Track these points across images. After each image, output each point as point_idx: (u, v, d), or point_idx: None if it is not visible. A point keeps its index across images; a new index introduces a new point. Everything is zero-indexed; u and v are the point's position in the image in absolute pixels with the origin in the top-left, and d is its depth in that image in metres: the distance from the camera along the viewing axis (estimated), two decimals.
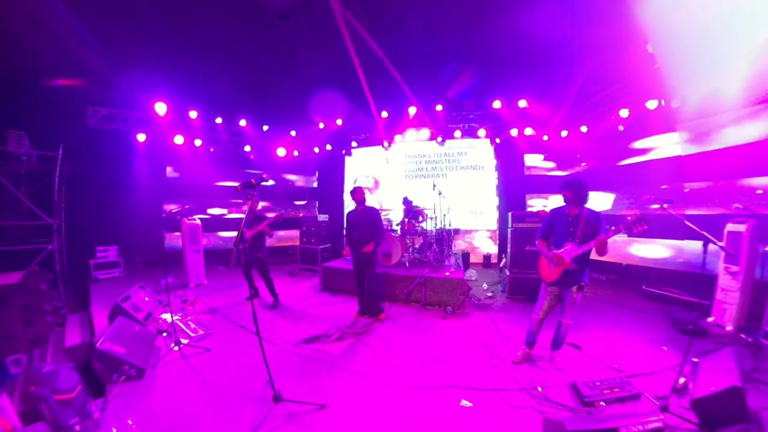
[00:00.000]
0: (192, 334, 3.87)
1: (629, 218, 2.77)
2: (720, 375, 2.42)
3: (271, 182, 9.45)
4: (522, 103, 7.13)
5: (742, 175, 4.50)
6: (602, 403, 2.71)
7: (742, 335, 3.57)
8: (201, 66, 6.09)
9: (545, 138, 7.71)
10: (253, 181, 2.54)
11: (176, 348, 3.48)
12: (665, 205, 3.05)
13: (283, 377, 3.14)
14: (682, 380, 2.78)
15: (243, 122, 7.98)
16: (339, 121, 8.65)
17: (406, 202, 7.03)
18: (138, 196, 7.28)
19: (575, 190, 3.12)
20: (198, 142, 7.67)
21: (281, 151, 8.92)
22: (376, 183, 9.77)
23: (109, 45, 5.46)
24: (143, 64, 5.88)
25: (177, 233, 7.27)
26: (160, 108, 6.54)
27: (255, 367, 3.23)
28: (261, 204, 6.46)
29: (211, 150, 8.14)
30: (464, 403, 2.87)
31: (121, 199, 7.10)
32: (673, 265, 5.42)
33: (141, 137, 7.01)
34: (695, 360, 2.92)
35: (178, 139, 7.24)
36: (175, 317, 3.94)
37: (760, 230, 3.82)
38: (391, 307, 5.30)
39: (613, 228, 2.87)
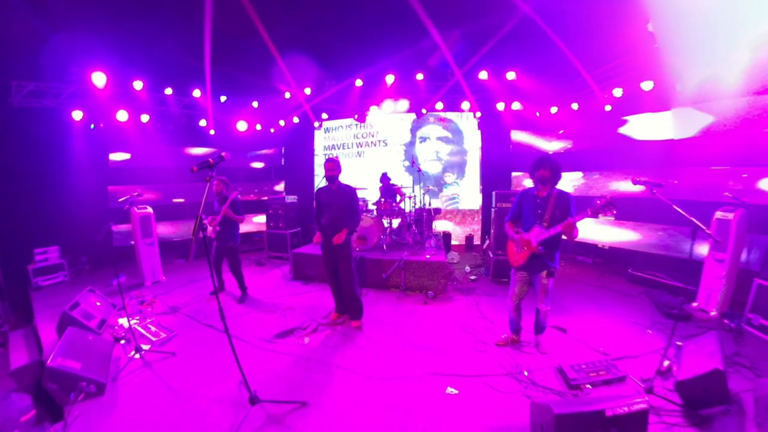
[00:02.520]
0: (153, 339, 3.80)
1: (598, 202, 2.85)
2: (703, 358, 2.68)
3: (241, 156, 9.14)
4: (510, 76, 7.16)
5: (735, 164, 4.81)
6: (588, 385, 2.95)
7: (726, 321, 3.93)
8: (145, 27, 5.61)
9: (537, 114, 7.83)
10: (210, 160, 2.48)
11: (137, 356, 3.43)
12: (654, 191, 3.21)
13: (259, 376, 3.19)
14: (666, 363, 3.06)
15: (197, 93, 7.54)
16: (307, 90, 8.36)
17: (384, 178, 7.05)
18: (78, 185, 6.78)
19: (552, 169, 3.18)
20: (145, 118, 7.21)
21: (242, 125, 8.59)
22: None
23: (33, 4, 4.91)
24: (75, 26, 5.29)
25: (127, 225, 6.89)
26: (99, 79, 6.03)
27: (227, 368, 3.25)
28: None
29: (158, 126, 7.70)
30: (450, 390, 3.05)
31: (59, 190, 6.57)
32: (660, 250, 5.80)
33: (77, 115, 6.47)
34: (679, 344, 3.20)
35: (122, 116, 6.75)
36: (132, 321, 3.84)
37: (747, 219, 4.14)
38: (368, 294, 5.46)
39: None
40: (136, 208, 5.67)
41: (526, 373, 3.23)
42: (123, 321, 3.98)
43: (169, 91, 7.35)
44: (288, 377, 3.22)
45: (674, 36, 4.56)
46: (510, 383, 3.12)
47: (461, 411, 2.79)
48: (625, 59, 5.88)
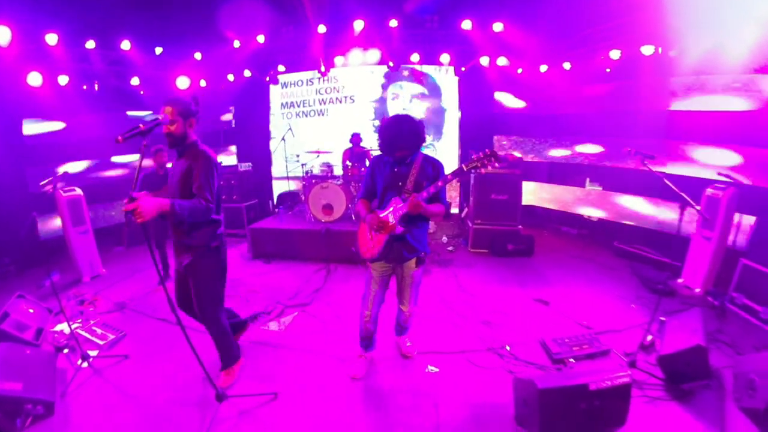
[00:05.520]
0: (101, 342, 3.74)
1: (474, 156, 2.58)
2: (686, 334, 2.97)
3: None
4: (497, 27, 7.04)
5: (730, 142, 5.04)
6: (572, 359, 3.23)
7: (710, 298, 4.30)
8: None
9: (519, 71, 7.83)
10: (141, 126, 2.19)
11: (85, 364, 3.37)
12: (646, 162, 3.39)
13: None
14: (649, 338, 3.37)
15: (126, 45, 6.92)
16: (261, 38, 7.91)
17: (355, 139, 7.06)
18: None
19: (412, 145, 2.70)
20: (64, 80, 6.56)
21: (183, 82, 8.00)
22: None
23: None
24: None
25: (54, 214, 6.39)
26: (1, 35, 5.38)
27: (187, 364, 3.26)
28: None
29: (84, 87, 7.08)
30: (430, 368, 3.27)
31: None
32: (647, 224, 6.15)
33: None
34: (663, 319, 3.53)
35: (34, 79, 6.10)
36: (74, 326, 3.71)
37: (738, 199, 4.42)
38: (337, 269, 5.64)
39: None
40: (62, 191, 5.31)
41: (508, 348, 3.50)
42: (63, 326, 3.84)
43: (91, 44, 6.67)
44: (256, 367, 3.33)
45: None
46: (492, 359, 3.38)
47: (443, 389, 3.01)
48: (626, 19, 5.86)
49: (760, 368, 2.56)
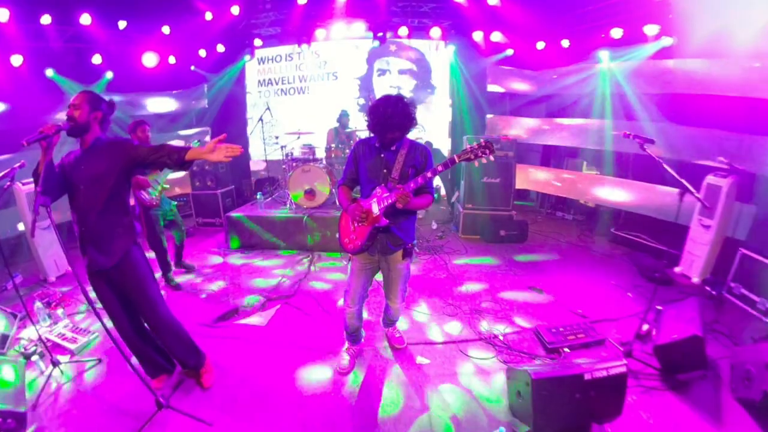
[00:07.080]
0: (72, 346, 3.66)
1: (468, 146, 2.58)
2: (682, 324, 3.06)
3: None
4: (493, 0, 6.93)
5: (731, 129, 5.05)
6: (566, 349, 3.31)
7: (707, 288, 4.42)
8: None
9: (510, 52, 7.79)
10: (41, 130, 2.24)
11: (57, 371, 3.30)
12: (646, 146, 3.41)
13: None
14: (645, 327, 3.46)
15: (86, 19, 6.63)
16: (235, 9, 7.71)
17: (342, 118, 7.05)
18: None
19: (403, 127, 2.66)
20: (18, 60, 6.30)
21: (150, 59, 7.77)
22: None
23: None
24: None
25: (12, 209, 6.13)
26: None
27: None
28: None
29: (37, 70, 6.77)
30: (420, 360, 3.33)
31: None
32: (645, 210, 6.18)
33: None
34: (659, 308, 3.62)
35: None
36: (41, 330, 3.66)
37: (739, 187, 4.51)
38: (321, 258, 5.68)
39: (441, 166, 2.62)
40: (20, 184, 5.12)
41: (501, 337, 3.57)
42: (30, 332, 3.78)
43: (47, 19, 6.36)
44: (235, 366, 3.32)
45: None
46: (485, 348, 3.46)
47: (435, 381, 3.07)
48: None
49: (756, 359, 2.67)
